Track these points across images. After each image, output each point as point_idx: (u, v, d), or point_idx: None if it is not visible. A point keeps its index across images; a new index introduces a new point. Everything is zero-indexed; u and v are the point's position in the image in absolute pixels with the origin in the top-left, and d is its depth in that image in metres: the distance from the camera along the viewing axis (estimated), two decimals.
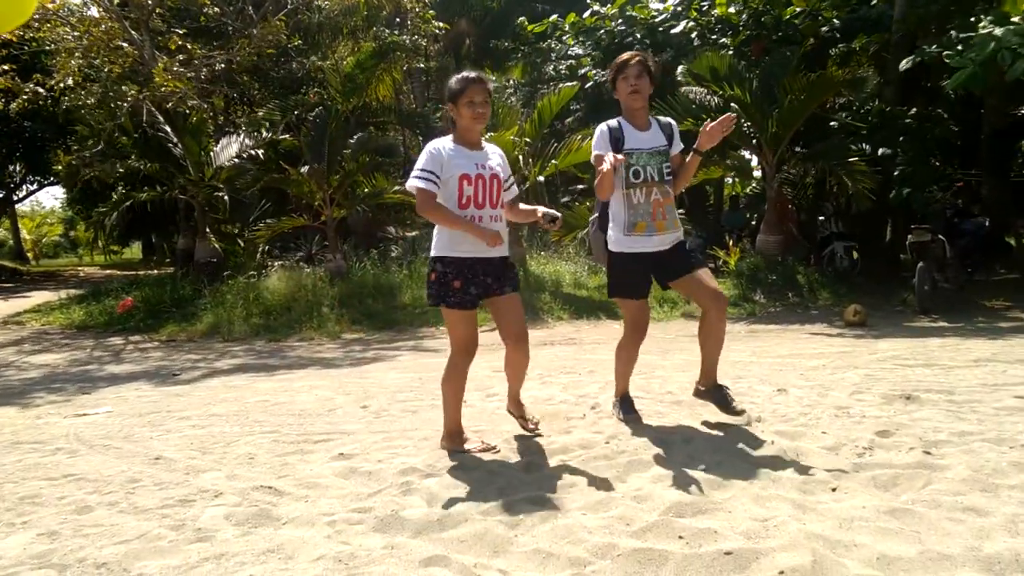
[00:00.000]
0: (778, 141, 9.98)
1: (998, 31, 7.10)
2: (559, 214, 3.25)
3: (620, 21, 12.99)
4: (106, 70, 11.96)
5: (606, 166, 3.15)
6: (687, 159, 3.50)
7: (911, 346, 6.09)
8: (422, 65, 16.65)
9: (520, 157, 10.47)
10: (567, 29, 14.11)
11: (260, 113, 14.33)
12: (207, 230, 12.37)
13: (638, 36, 12.52)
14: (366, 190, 12.20)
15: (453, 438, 3.36)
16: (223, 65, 12.83)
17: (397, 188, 11.79)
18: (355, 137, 12.26)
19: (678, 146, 3.53)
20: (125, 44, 11.78)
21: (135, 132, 12.63)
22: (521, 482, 2.89)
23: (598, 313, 9.32)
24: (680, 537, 2.26)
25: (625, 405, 3.73)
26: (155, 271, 17.29)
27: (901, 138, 9.65)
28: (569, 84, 11.43)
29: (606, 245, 3.54)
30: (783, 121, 9.65)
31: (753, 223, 12.86)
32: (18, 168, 25.65)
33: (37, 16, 10.74)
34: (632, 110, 3.43)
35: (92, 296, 12.17)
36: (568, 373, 5.34)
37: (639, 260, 3.45)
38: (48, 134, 20.90)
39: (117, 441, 4.00)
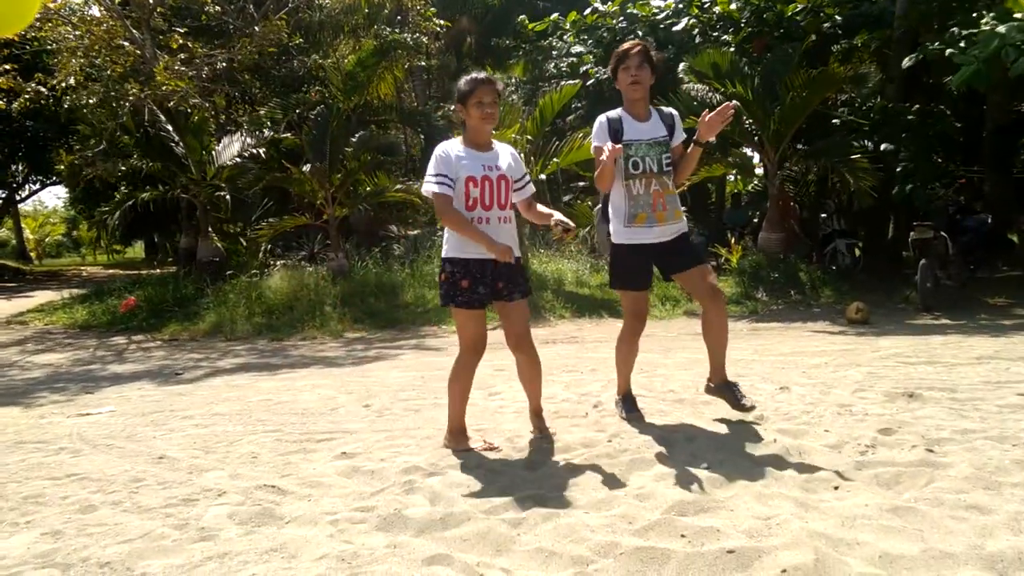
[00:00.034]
0: (780, 138, 9.96)
1: (1002, 28, 7.07)
2: (574, 225, 3.24)
3: (621, 18, 12.96)
4: (108, 70, 11.96)
5: (604, 157, 3.16)
6: (688, 150, 3.49)
7: (913, 344, 6.08)
8: (423, 63, 16.61)
9: (522, 155, 10.45)
10: (568, 27, 14.09)
11: (262, 112, 14.33)
12: (209, 229, 12.38)
13: (639, 33, 12.49)
14: (368, 189, 12.20)
15: (457, 437, 3.36)
16: (224, 64, 12.82)
17: (399, 187, 11.80)
18: (357, 135, 12.25)
19: (679, 137, 3.51)
20: (126, 43, 11.78)
21: (137, 131, 12.64)
22: (524, 481, 2.89)
23: (600, 311, 9.32)
24: (682, 535, 2.26)
25: (627, 403, 3.73)
26: (158, 270, 17.34)
27: (903, 135, 9.63)
28: (571, 82, 11.40)
29: (609, 236, 3.55)
30: (785, 118, 9.63)
31: (755, 221, 12.83)
32: (20, 168, 25.67)
33: (39, 16, 10.75)
34: (632, 100, 3.43)
35: (95, 296, 12.19)
36: (570, 371, 5.35)
37: (640, 252, 3.45)
38: (50, 134, 20.92)
39: (120, 440, 4.01)
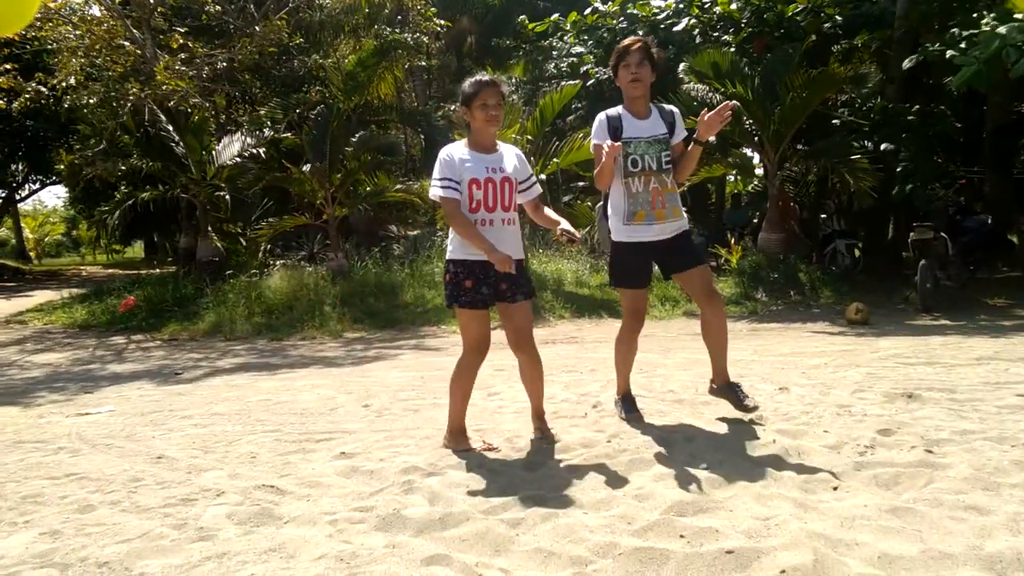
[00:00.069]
0: (780, 138, 9.96)
1: (1002, 28, 7.07)
2: (579, 235, 3.24)
3: (621, 19, 12.97)
4: (108, 69, 11.96)
5: (604, 155, 3.17)
6: (688, 149, 3.48)
7: (913, 344, 6.08)
8: (424, 63, 16.63)
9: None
10: (568, 28, 14.09)
11: (262, 112, 14.33)
12: (209, 229, 12.38)
13: (640, 34, 12.49)
14: (368, 189, 12.21)
15: (456, 437, 3.36)
16: (225, 64, 12.83)
17: (399, 187, 11.80)
18: (357, 135, 12.25)
19: (680, 134, 3.49)
20: (127, 43, 11.78)
21: (137, 131, 12.64)
22: (523, 481, 2.89)
23: (600, 312, 9.32)
24: (681, 536, 2.26)
25: (627, 403, 3.73)
26: (157, 270, 17.35)
27: (903, 135, 9.63)
28: (571, 83, 11.41)
29: (610, 234, 3.55)
30: (785, 118, 9.63)
31: (755, 221, 12.84)
32: (20, 167, 25.68)
33: (39, 15, 10.75)
34: (632, 98, 3.42)
35: (94, 295, 12.19)
36: (570, 372, 5.34)
37: (639, 250, 3.45)
38: (50, 133, 20.93)
39: (119, 440, 4.00)
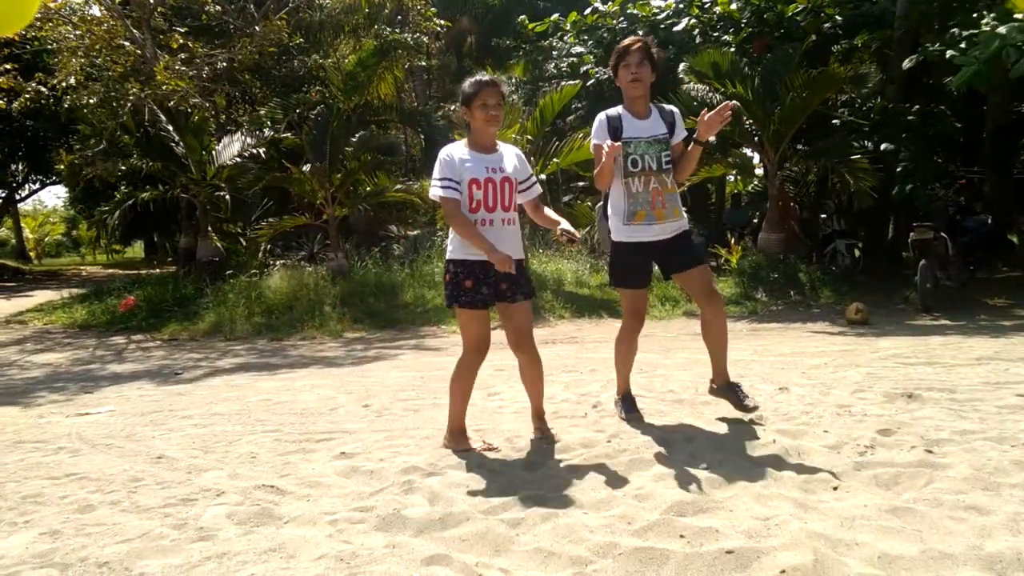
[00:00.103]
0: (780, 138, 9.96)
1: (1002, 28, 7.07)
2: (579, 236, 3.24)
3: (621, 19, 12.97)
4: (108, 69, 11.96)
5: (603, 155, 3.17)
6: (688, 149, 3.47)
7: (913, 344, 6.08)
8: (424, 63, 16.63)
9: None
10: (568, 28, 14.10)
11: (262, 112, 14.33)
12: (209, 229, 12.38)
13: (639, 34, 12.49)
14: (368, 189, 12.21)
15: (457, 437, 3.36)
16: (225, 64, 12.83)
17: (399, 187, 11.80)
18: (357, 135, 12.26)
19: (680, 134, 3.49)
20: (127, 43, 11.78)
21: (137, 131, 12.64)
22: (523, 481, 2.89)
23: (600, 311, 9.32)
24: (681, 536, 2.26)
25: (627, 403, 3.73)
26: (157, 270, 17.35)
27: (903, 135, 9.63)
28: (571, 83, 11.41)
29: (610, 234, 3.55)
30: (785, 118, 9.63)
31: (755, 221, 12.84)
32: (20, 167, 25.68)
33: (39, 15, 10.75)
34: (632, 98, 3.42)
35: (94, 295, 12.19)
36: (570, 372, 5.35)
37: (639, 250, 3.45)
38: (50, 133, 20.93)
39: (119, 440, 4.00)
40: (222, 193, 12.20)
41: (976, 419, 3.41)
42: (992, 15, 7.47)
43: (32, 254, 33.08)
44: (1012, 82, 7.86)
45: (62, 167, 15.70)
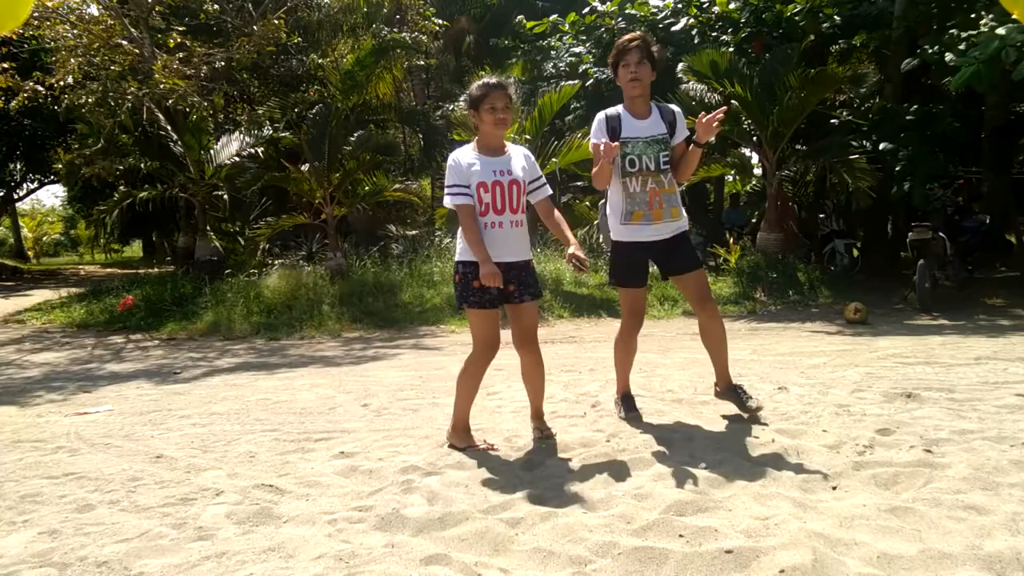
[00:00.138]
0: (779, 138, 9.97)
1: (1001, 29, 7.08)
2: (588, 263, 3.21)
3: (620, 19, 12.97)
4: (106, 68, 11.94)
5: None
6: (688, 150, 3.46)
7: (912, 344, 6.09)
8: (422, 63, 16.61)
9: None
10: (567, 28, 14.09)
11: (260, 111, 14.30)
12: (207, 228, 12.36)
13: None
14: (366, 188, 12.20)
15: (460, 434, 3.36)
16: (223, 63, 12.80)
17: (397, 186, 11.79)
18: (355, 135, 12.24)
19: (681, 134, 3.47)
20: (125, 42, 11.75)
21: (135, 130, 12.63)
22: (522, 480, 2.89)
23: (599, 311, 9.33)
24: (681, 535, 2.26)
25: (626, 403, 3.73)
26: (155, 269, 17.29)
27: (902, 134, 9.64)
28: (569, 83, 11.41)
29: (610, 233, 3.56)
30: (784, 118, 9.63)
31: (754, 221, 12.88)
32: (18, 166, 25.62)
33: (36, 14, 10.73)
34: (632, 98, 3.41)
35: (93, 294, 12.16)
36: (569, 371, 5.35)
37: (637, 249, 3.45)
38: (48, 132, 20.89)
39: (118, 439, 4.00)
40: (220, 192, 12.19)
41: (975, 419, 3.41)
42: (991, 15, 7.47)
43: (30, 253, 33.06)
44: (1010, 82, 7.87)
45: (60, 166, 15.70)
